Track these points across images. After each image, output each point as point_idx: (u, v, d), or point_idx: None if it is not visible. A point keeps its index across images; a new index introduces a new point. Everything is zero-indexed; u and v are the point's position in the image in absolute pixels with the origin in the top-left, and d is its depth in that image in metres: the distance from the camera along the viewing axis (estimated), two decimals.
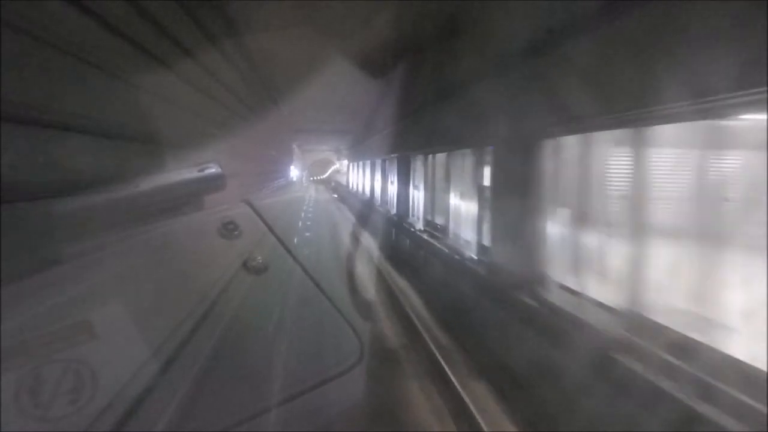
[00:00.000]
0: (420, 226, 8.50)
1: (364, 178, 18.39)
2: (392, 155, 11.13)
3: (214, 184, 2.71)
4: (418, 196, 9.05)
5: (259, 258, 2.57)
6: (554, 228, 3.82)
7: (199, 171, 2.61)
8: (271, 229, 2.27)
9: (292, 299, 3.65)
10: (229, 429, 1.67)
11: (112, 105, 2.60)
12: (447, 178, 7.02)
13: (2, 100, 1.51)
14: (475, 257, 5.45)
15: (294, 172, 24.43)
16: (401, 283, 7.71)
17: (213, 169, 2.64)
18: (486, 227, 5.22)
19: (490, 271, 4.87)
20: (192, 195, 2.83)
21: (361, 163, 19.48)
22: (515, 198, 4.23)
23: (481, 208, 5.45)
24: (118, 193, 2.11)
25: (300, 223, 10.73)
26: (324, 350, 2.78)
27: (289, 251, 2.37)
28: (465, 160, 6.26)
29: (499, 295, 4.46)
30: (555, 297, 3.73)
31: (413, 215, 9.32)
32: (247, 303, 3.14)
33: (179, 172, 2.59)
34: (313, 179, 38.48)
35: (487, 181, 5.22)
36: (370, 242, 10.82)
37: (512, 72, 4.33)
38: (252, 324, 3.16)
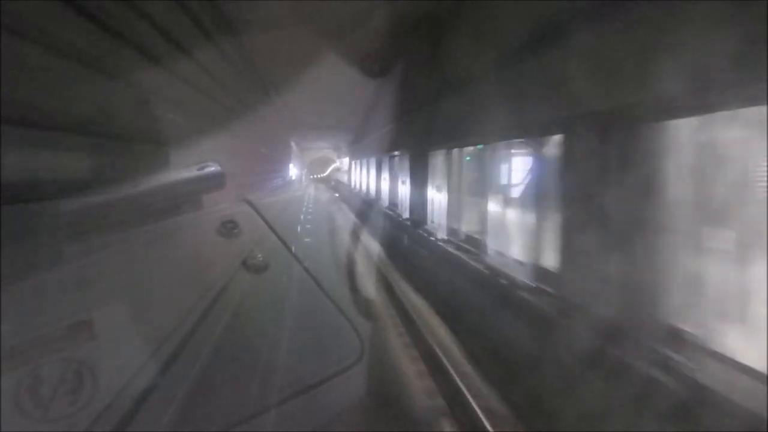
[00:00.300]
0: (442, 235, 7.27)
1: (368, 177, 17.21)
2: (403, 152, 9.75)
3: (213, 183, 2.69)
4: (439, 198, 7.66)
5: (260, 256, 2.57)
6: (695, 258, 2.62)
7: (199, 170, 2.60)
8: (271, 228, 2.27)
9: (293, 299, 3.64)
10: (229, 429, 1.67)
11: (110, 105, 2.60)
12: (481, 178, 5.79)
13: (2, 102, 1.51)
14: (533, 284, 4.12)
15: (293, 170, 24.41)
16: (424, 310, 6.34)
17: (212, 168, 2.63)
18: (550, 245, 3.91)
19: (559, 306, 3.58)
20: (192, 194, 2.82)
21: (365, 160, 18.12)
22: (611, 207, 2.98)
23: (540, 218, 4.10)
24: (117, 193, 2.10)
25: (299, 228, 10.53)
26: (325, 351, 2.77)
27: (290, 250, 2.37)
28: (510, 154, 5.18)
29: (582, 348, 3.09)
30: (705, 371, 2.35)
31: (432, 221, 7.97)
32: (248, 302, 3.14)
33: (179, 172, 2.59)
34: (313, 177, 38.51)
35: (551, 182, 3.91)
36: (378, 251, 9.72)
37: (597, 24, 3.01)
38: (252, 324, 3.16)
